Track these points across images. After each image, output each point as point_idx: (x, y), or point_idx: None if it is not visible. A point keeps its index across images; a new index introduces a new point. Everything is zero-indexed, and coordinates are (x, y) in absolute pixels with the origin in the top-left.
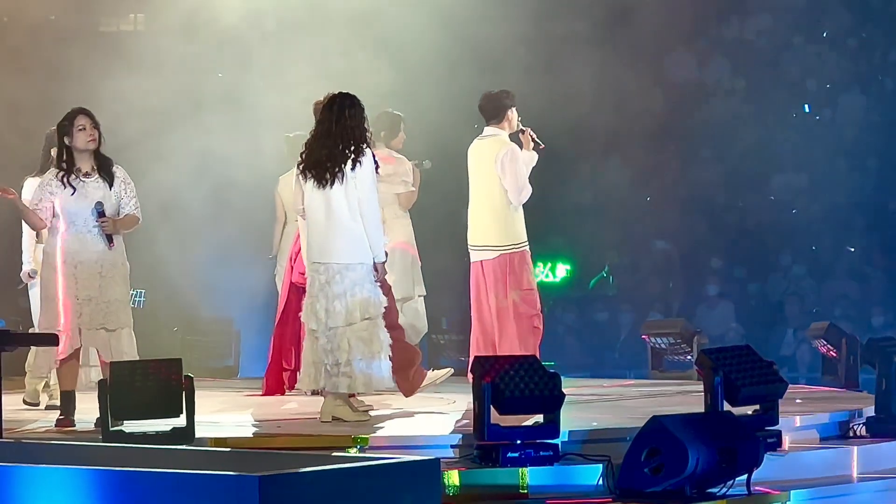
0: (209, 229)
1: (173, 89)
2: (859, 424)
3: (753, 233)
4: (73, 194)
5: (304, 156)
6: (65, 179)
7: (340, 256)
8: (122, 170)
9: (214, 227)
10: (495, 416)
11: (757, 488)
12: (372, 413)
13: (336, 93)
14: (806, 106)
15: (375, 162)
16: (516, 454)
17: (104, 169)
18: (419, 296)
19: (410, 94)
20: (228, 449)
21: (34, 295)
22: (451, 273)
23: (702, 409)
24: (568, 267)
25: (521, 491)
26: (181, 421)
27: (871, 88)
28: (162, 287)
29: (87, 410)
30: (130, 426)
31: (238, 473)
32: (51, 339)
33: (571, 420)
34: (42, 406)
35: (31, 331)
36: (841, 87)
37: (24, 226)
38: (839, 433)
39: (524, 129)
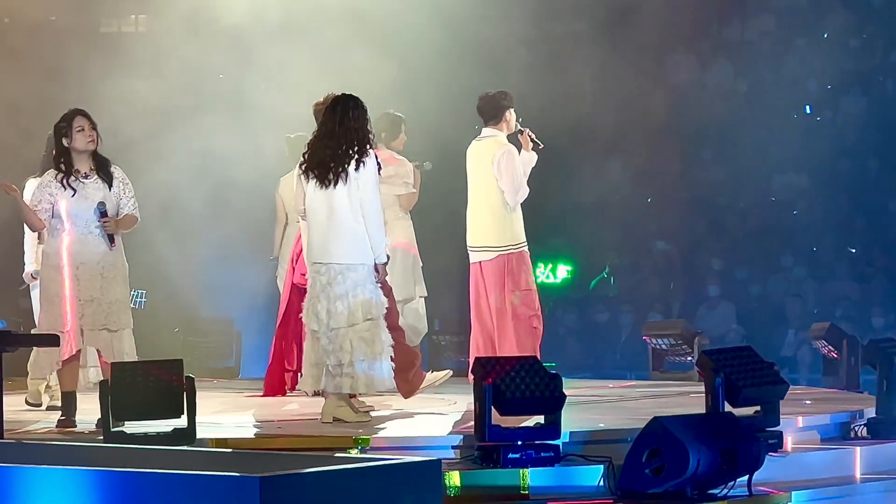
0: (210, 230)
1: (174, 90)
2: (860, 426)
3: (754, 234)
4: (73, 196)
5: (306, 156)
6: (64, 181)
7: (342, 257)
8: (120, 170)
9: (215, 228)
10: (496, 417)
11: (763, 487)
12: (373, 414)
13: (339, 94)
14: (807, 107)
15: (378, 163)
16: (517, 455)
17: (103, 169)
18: (420, 297)
19: (411, 95)
20: (229, 450)
21: (36, 296)
22: (452, 274)
23: (703, 410)
24: (569, 268)
25: (521, 492)
26: (182, 422)
27: (873, 89)
28: (163, 288)
29: (88, 411)
30: (131, 427)
31: (239, 474)
32: (52, 340)
33: (572, 421)
34: (43, 407)
35: (32, 331)
36: (842, 88)
37: (26, 227)
38: (840, 434)
39: (522, 129)
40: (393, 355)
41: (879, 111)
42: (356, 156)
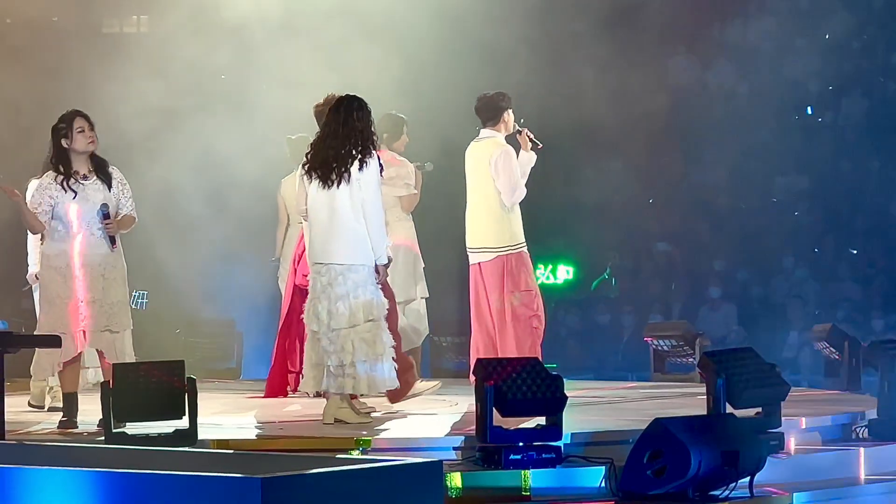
0: (211, 231)
1: (176, 90)
2: (862, 427)
3: (755, 235)
4: (74, 198)
5: (309, 156)
6: (64, 183)
7: (342, 258)
8: (118, 170)
9: (216, 229)
10: (498, 419)
11: (766, 488)
12: (374, 415)
13: (343, 95)
14: (808, 108)
15: (380, 165)
16: (519, 456)
17: (101, 171)
18: (421, 297)
19: (414, 94)
20: (231, 451)
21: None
22: (452, 275)
23: (704, 412)
24: (570, 269)
25: (523, 493)
26: (184, 423)
27: (874, 91)
28: (164, 289)
29: (90, 412)
30: (133, 428)
31: (241, 475)
32: (53, 341)
33: (574, 422)
34: (45, 408)
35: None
36: (843, 89)
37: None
38: (842, 436)
39: (521, 129)
40: (395, 356)
41: (880, 112)
42: (359, 156)
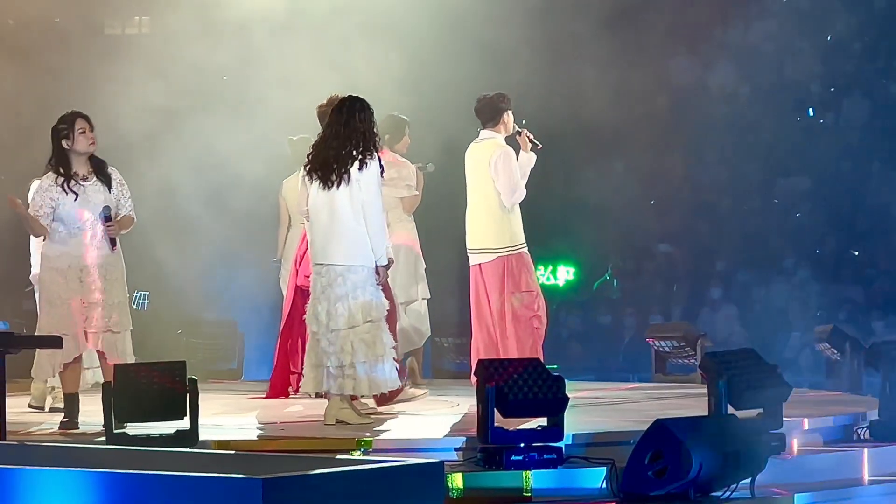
0: (213, 231)
1: (177, 91)
2: (863, 428)
3: (757, 236)
4: (75, 200)
5: (310, 157)
6: (65, 185)
7: (342, 258)
8: (116, 171)
9: (218, 230)
10: (499, 419)
11: (773, 489)
12: (376, 416)
13: (346, 95)
14: (810, 109)
15: (381, 166)
16: (520, 457)
17: (101, 172)
18: (423, 298)
19: (417, 94)
20: (232, 451)
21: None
22: (453, 276)
23: (705, 413)
24: (570, 269)
25: (524, 494)
26: (185, 423)
27: (875, 92)
28: (165, 289)
29: (91, 413)
30: (134, 429)
31: (242, 476)
32: (55, 342)
33: (575, 423)
34: (46, 409)
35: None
36: (845, 90)
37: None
38: (843, 437)
39: (521, 130)
40: (396, 356)
41: (882, 114)
42: (359, 157)
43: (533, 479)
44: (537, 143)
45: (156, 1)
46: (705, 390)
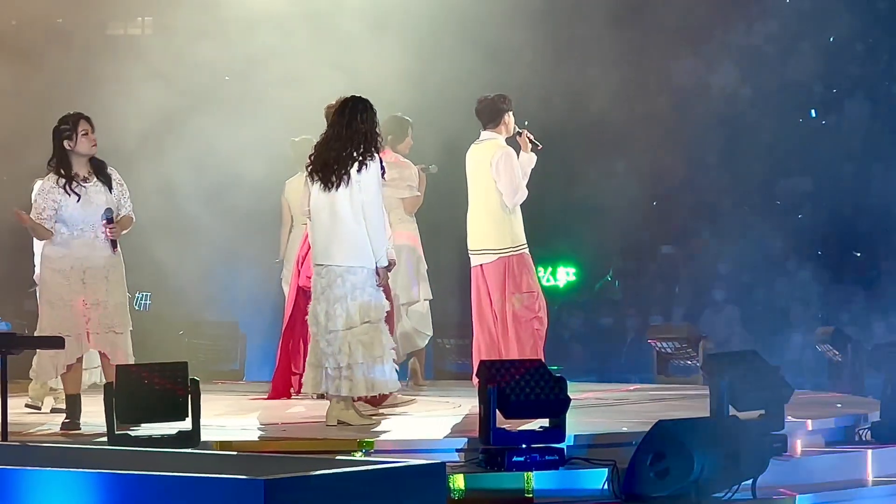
0: (214, 232)
1: (179, 91)
2: (865, 429)
3: (759, 237)
4: (78, 201)
5: (312, 158)
6: (67, 187)
7: (342, 259)
8: (116, 172)
9: (219, 230)
10: (501, 420)
11: (775, 490)
12: (377, 417)
13: (348, 96)
14: (812, 111)
15: (382, 167)
16: (522, 458)
17: (101, 173)
18: (424, 299)
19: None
20: (234, 452)
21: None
22: (454, 277)
23: (707, 414)
24: (571, 270)
25: (526, 495)
26: (187, 424)
27: (878, 93)
28: (167, 290)
29: (93, 413)
30: (136, 430)
31: (244, 477)
32: (56, 343)
33: (577, 424)
34: (47, 409)
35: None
36: (847, 92)
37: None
38: (844, 438)
39: (521, 131)
40: (396, 357)
41: (884, 115)
42: (360, 158)
43: (534, 480)
44: (538, 143)
45: (158, 1)
46: (707, 391)
